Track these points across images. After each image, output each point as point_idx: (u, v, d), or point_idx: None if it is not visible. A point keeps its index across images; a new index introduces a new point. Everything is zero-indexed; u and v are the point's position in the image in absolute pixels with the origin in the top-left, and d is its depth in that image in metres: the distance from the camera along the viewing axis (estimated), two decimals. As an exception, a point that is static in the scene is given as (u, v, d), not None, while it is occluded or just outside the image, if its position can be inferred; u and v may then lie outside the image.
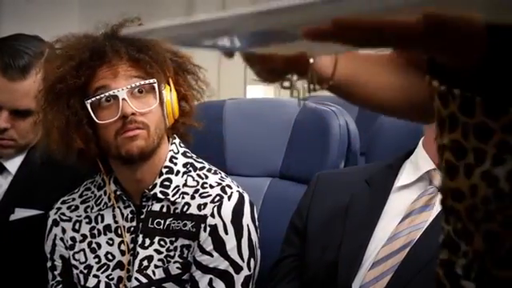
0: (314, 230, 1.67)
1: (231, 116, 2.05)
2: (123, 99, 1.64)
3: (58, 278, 1.82)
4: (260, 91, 6.00)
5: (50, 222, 1.83)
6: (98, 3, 4.04)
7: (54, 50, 1.75)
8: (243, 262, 1.69)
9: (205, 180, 1.74)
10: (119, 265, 1.75)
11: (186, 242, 1.69)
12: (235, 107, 2.09)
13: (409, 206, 1.56)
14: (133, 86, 1.66)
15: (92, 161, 1.74)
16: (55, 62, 1.69)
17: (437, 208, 1.52)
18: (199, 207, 1.70)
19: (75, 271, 1.79)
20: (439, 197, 1.45)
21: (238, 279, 1.69)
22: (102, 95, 1.65)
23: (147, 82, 1.67)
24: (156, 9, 3.93)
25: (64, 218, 1.82)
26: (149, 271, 1.71)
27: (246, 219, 1.71)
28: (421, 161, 1.60)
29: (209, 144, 1.99)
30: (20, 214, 1.93)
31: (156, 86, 1.68)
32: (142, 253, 1.72)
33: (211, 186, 1.73)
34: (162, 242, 1.71)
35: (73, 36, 1.72)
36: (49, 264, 1.83)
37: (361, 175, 1.69)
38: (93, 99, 1.66)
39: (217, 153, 2.01)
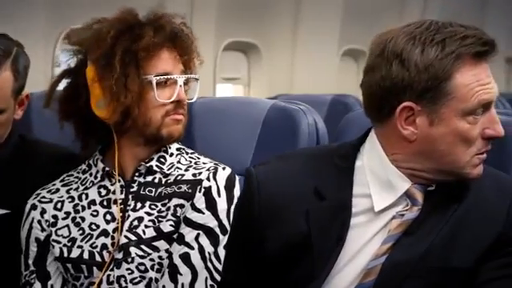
0: (274, 257, 1.46)
1: (200, 114, 2.06)
2: (180, 86, 1.78)
3: (32, 268, 1.82)
4: (229, 90, 6.01)
5: (27, 208, 1.85)
6: (64, 2, 4.02)
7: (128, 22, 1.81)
8: (230, 226, 1.74)
9: (197, 160, 1.85)
10: (104, 233, 1.78)
11: (181, 201, 1.76)
12: (205, 105, 2.09)
13: (386, 231, 1.44)
14: (189, 76, 1.83)
15: (104, 132, 1.81)
16: (145, 31, 1.77)
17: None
18: (194, 175, 1.79)
19: (58, 246, 1.79)
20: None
21: (222, 241, 1.75)
22: (168, 76, 1.78)
23: (195, 76, 1.85)
24: (123, 5, 3.92)
25: (44, 200, 1.84)
26: (139, 230, 1.76)
27: (237, 191, 1.78)
28: (393, 178, 1.45)
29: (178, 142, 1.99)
30: None
31: (198, 82, 1.86)
32: (133, 215, 1.77)
33: (204, 163, 1.83)
34: (152, 206, 1.77)
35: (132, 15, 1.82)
36: (23, 249, 1.83)
37: (307, 178, 1.49)
38: (160, 78, 1.77)
39: (186, 151, 2.01)
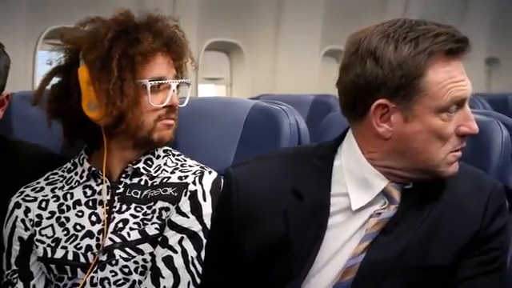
0: (252, 258, 1.47)
1: (183, 114, 2.05)
2: (173, 90, 1.80)
3: (14, 267, 1.81)
4: (211, 90, 6.00)
5: (11, 205, 1.83)
6: (46, 2, 4.00)
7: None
8: None
9: (184, 162, 1.85)
10: (88, 234, 1.77)
11: (166, 204, 1.76)
12: (187, 106, 2.09)
13: (363, 230, 1.44)
14: (182, 81, 1.85)
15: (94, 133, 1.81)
16: (143, 36, 1.78)
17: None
18: (180, 178, 1.79)
19: (42, 246, 1.78)
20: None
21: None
22: (162, 81, 1.79)
23: (187, 81, 1.87)
24: (104, 9, 3.91)
25: (28, 198, 1.83)
26: (123, 232, 1.75)
27: None
28: (370, 177, 1.45)
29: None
30: None
31: (190, 86, 1.89)
32: (118, 217, 1.77)
33: (190, 166, 1.83)
34: (138, 208, 1.77)
35: (128, 18, 1.82)
36: (6, 247, 1.81)
37: (285, 178, 1.49)
38: (154, 83, 1.78)
39: (168, 151, 2.01)
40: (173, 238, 1.74)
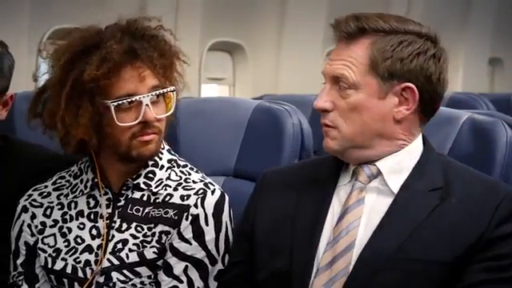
0: (262, 232, 1.62)
1: (185, 115, 2.05)
2: (146, 105, 1.67)
3: (20, 269, 1.80)
4: (214, 90, 6.01)
5: (19, 208, 1.82)
6: (49, 1, 4.00)
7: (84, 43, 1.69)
8: (219, 255, 1.72)
9: (188, 176, 1.78)
10: (88, 248, 1.75)
11: (166, 228, 1.71)
12: (189, 106, 2.09)
13: (342, 205, 1.55)
14: (157, 93, 1.70)
15: (85, 150, 1.75)
16: (91, 62, 1.65)
17: (367, 202, 1.52)
18: (182, 198, 1.73)
19: (43, 255, 1.77)
20: (367, 191, 1.52)
21: (212, 271, 1.71)
22: (128, 99, 1.67)
23: (169, 89, 1.72)
24: (107, 8, 3.91)
25: (35, 203, 1.82)
26: (122, 254, 1.72)
27: (225, 216, 1.74)
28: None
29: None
30: None
31: (174, 93, 1.73)
32: (118, 236, 1.73)
33: (194, 182, 1.76)
34: (138, 228, 1.73)
35: (95, 30, 1.71)
36: (13, 249, 1.81)
37: (307, 172, 1.64)
38: (119, 102, 1.66)
39: (171, 152, 2.01)
40: (177, 266, 1.70)
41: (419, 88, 1.50)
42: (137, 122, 1.67)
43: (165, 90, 1.72)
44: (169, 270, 1.70)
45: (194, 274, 1.70)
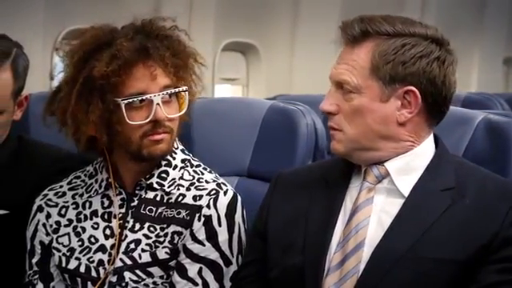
0: (275, 231, 1.63)
1: (199, 115, 2.05)
2: (157, 104, 1.67)
3: (35, 268, 1.81)
4: (228, 90, 6.01)
5: (34, 207, 1.83)
6: (64, 2, 4.02)
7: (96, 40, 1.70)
8: (233, 256, 1.72)
9: (201, 176, 1.78)
10: (101, 248, 1.76)
11: (179, 229, 1.71)
12: (203, 106, 2.09)
13: (352, 204, 1.55)
14: (169, 92, 1.70)
15: (98, 149, 1.76)
16: (101, 58, 1.67)
17: (376, 202, 1.53)
18: (195, 198, 1.73)
19: (57, 254, 1.78)
20: (376, 191, 1.53)
21: (227, 272, 1.72)
22: (139, 98, 1.67)
23: (181, 89, 1.72)
24: (122, 8, 3.92)
25: (50, 203, 1.83)
26: (135, 254, 1.72)
27: (238, 217, 1.74)
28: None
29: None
30: None
31: (187, 93, 1.73)
32: (131, 236, 1.74)
33: (207, 182, 1.76)
34: (151, 228, 1.73)
35: (109, 28, 1.72)
36: (28, 248, 1.82)
37: (321, 172, 1.65)
38: (129, 100, 1.67)
39: (185, 152, 2.01)
40: (191, 268, 1.70)
41: (422, 91, 1.50)
42: (147, 120, 1.68)
43: (176, 90, 1.71)
44: (183, 272, 1.70)
45: (208, 276, 1.70)
